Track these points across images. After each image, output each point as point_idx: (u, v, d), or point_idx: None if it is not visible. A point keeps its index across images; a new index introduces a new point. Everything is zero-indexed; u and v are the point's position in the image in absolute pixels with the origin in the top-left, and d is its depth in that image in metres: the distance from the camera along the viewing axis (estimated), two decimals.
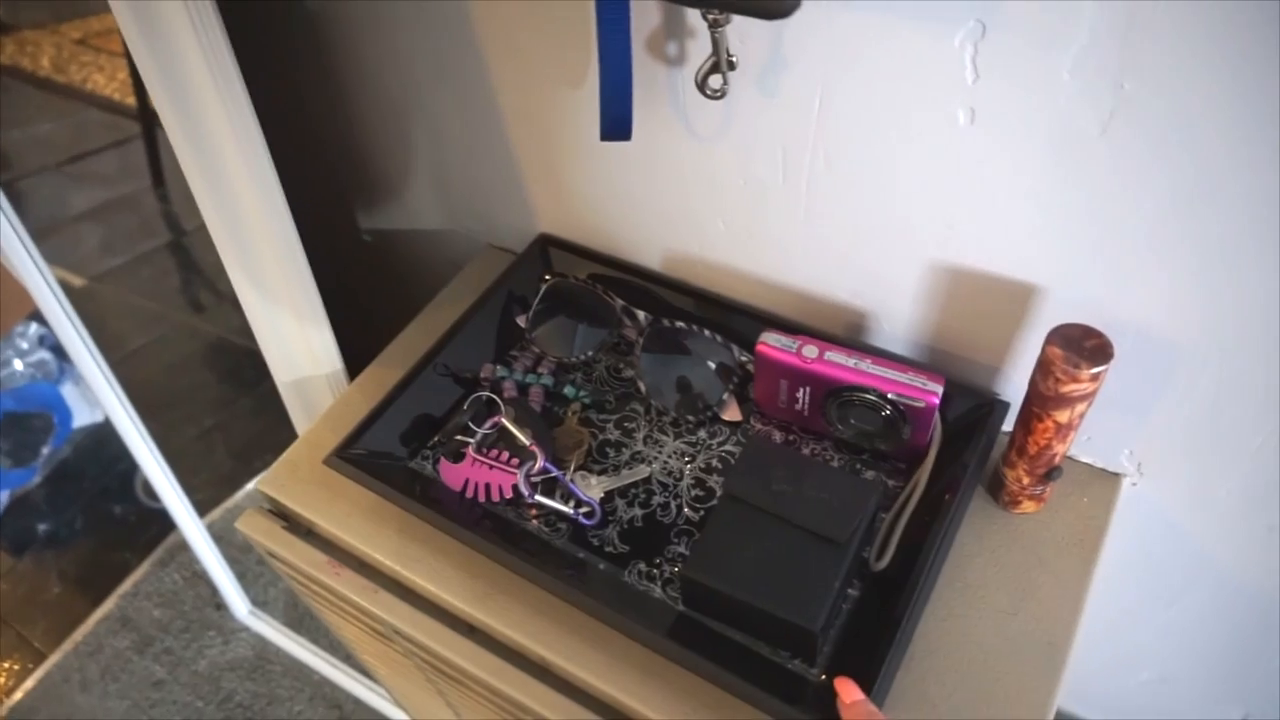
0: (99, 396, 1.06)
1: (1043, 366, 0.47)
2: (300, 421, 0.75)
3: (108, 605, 1.44)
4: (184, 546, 1.47)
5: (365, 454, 0.58)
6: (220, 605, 1.41)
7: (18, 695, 1.35)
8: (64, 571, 1.52)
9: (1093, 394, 0.46)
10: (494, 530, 0.56)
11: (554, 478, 0.57)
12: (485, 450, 0.58)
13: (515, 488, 0.56)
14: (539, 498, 0.56)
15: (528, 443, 0.57)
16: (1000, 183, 0.47)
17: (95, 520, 1.59)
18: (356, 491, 0.59)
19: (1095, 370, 0.45)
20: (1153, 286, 0.46)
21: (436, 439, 0.61)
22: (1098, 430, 0.55)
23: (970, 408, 0.56)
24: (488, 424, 0.58)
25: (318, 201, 0.85)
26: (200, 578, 1.43)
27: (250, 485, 1.57)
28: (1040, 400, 0.48)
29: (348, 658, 1.31)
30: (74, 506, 1.62)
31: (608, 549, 0.55)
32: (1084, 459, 0.58)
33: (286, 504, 0.61)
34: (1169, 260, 0.45)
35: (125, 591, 1.45)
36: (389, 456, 0.60)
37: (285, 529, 0.61)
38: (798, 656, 0.49)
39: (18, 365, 1.56)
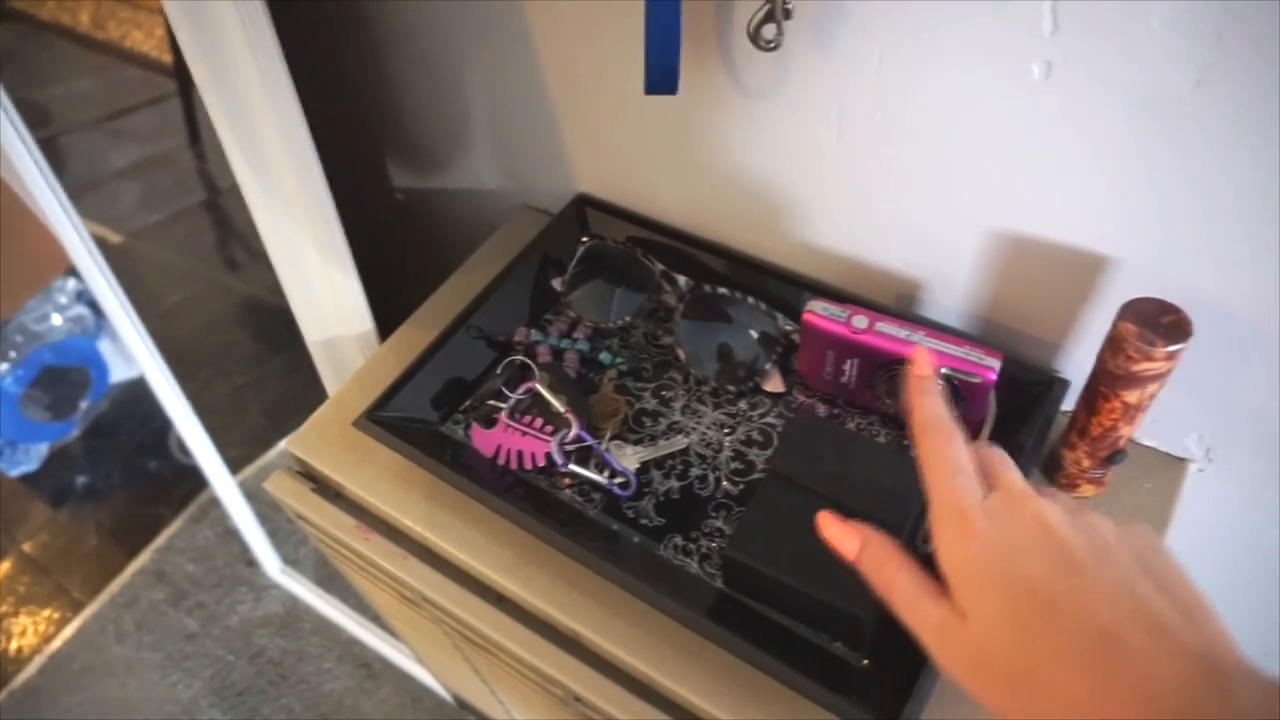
0: (134, 353, 1.06)
1: (1113, 343, 0.44)
2: (330, 382, 0.74)
3: (143, 559, 1.46)
4: (216, 503, 1.48)
5: (395, 417, 0.57)
6: (251, 562, 1.42)
7: (56, 643, 1.38)
8: (101, 524, 1.54)
9: (1166, 374, 0.43)
10: (525, 498, 0.54)
11: (588, 446, 0.55)
12: (518, 416, 0.56)
13: (548, 456, 0.54)
14: (573, 466, 0.54)
15: (562, 409, 0.55)
16: (1075, 144, 0.43)
17: (131, 474, 1.61)
18: (386, 455, 0.57)
19: (1171, 349, 0.42)
20: (1238, 261, 0.43)
21: (468, 403, 0.60)
22: (1165, 412, 0.52)
23: (1027, 384, 0.53)
24: (521, 389, 0.57)
25: (351, 159, 0.84)
26: (232, 534, 1.45)
27: (282, 444, 1.58)
28: (1109, 379, 0.45)
29: (376, 618, 1.32)
30: (111, 460, 1.63)
31: (643, 521, 0.53)
32: (1147, 442, 0.54)
33: (315, 465, 0.59)
34: (1259, 233, 0.41)
35: (160, 546, 1.47)
36: (420, 420, 0.58)
37: (314, 491, 0.60)
38: (841, 641, 0.47)
39: (56, 320, 1.57)
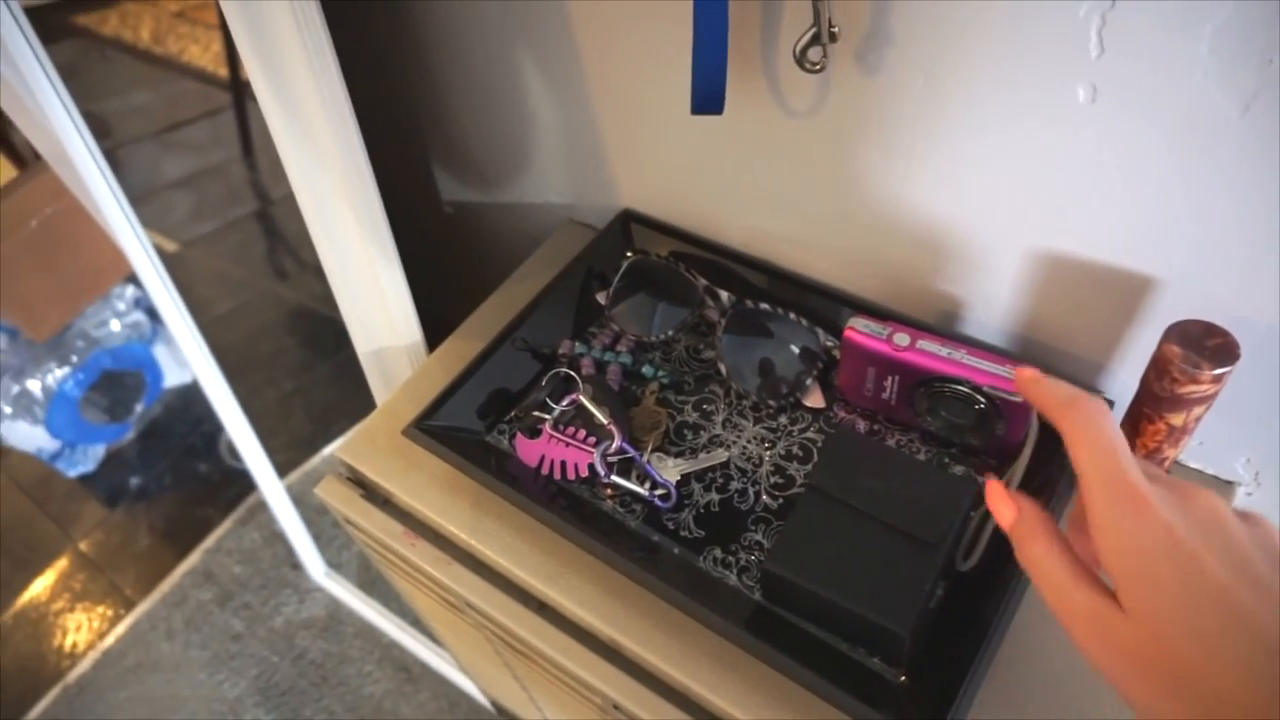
0: (189, 359, 1.10)
1: (1157, 365, 0.44)
2: (379, 391, 0.76)
3: (192, 559, 1.50)
4: (263, 506, 1.51)
5: (443, 426, 0.58)
6: (296, 565, 1.45)
7: (109, 640, 1.42)
8: (153, 524, 1.59)
9: (1212, 396, 0.43)
10: (568, 508, 0.55)
11: (630, 458, 0.56)
12: (562, 427, 0.57)
13: (591, 467, 0.55)
14: (614, 478, 0.55)
15: (605, 421, 0.56)
16: (1120, 166, 0.43)
17: (182, 476, 1.65)
18: (433, 463, 0.59)
19: (1218, 372, 0.42)
20: None
21: (513, 414, 0.61)
22: (1211, 435, 0.52)
23: None
24: (565, 401, 0.58)
25: (402, 173, 0.86)
26: (278, 537, 1.48)
27: (327, 449, 1.62)
28: (1153, 401, 0.45)
29: (417, 622, 1.34)
30: (163, 463, 1.68)
31: (683, 533, 0.54)
32: (1194, 465, 0.54)
33: (364, 472, 0.61)
34: None
35: (208, 547, 1.51)
36: (466, 430, 0.60)
37: (363, 497, 0.62)
38: (879, 657, 0.47)
39: (115, 325, 1.63)
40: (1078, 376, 0.55)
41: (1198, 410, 0.44)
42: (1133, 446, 0.48)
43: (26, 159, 1.42)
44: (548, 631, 0.54)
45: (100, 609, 1.47)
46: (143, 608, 1.45)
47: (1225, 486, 0.53)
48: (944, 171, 0.50)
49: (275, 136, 0.60)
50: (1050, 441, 0.52)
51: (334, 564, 1.43)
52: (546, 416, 0.58)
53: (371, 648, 1.36)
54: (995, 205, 0.50)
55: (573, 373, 0.60)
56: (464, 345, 0.67)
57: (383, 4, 0.71)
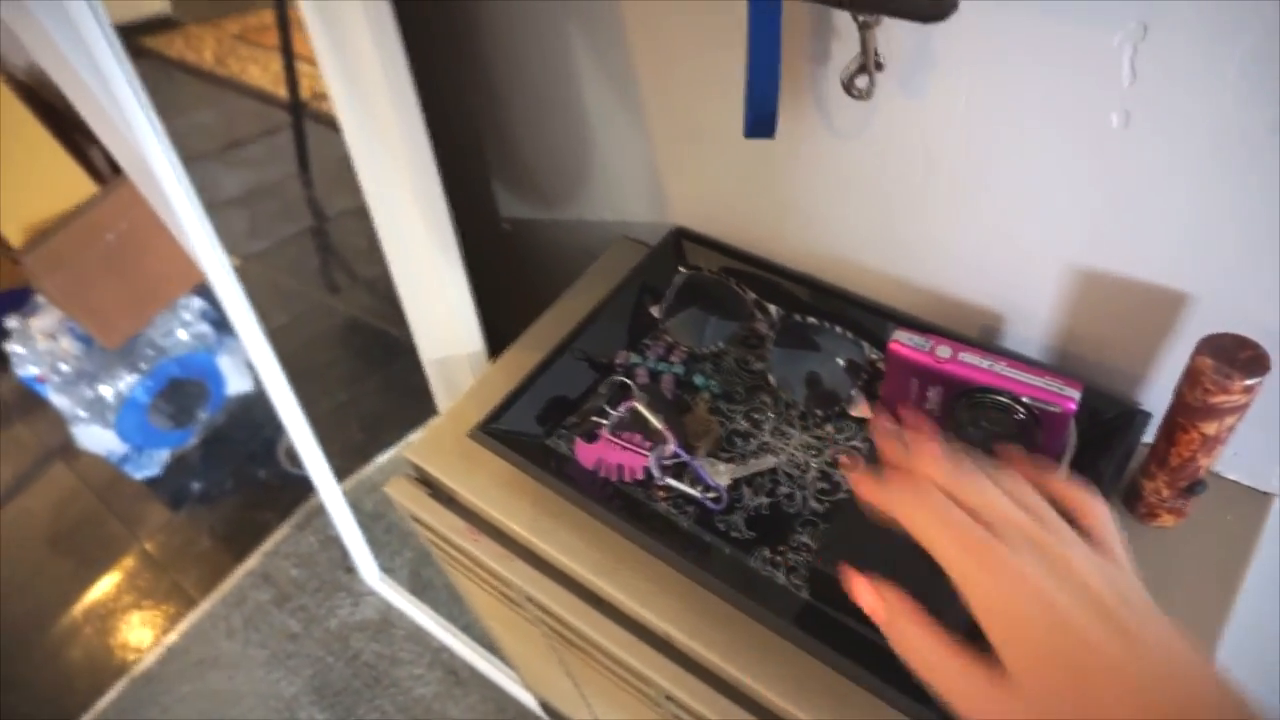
0: (258, 366, 1.15)
1: (1191, 376, 0.46)
2: (441, 396, 0.80)
3: (251, 561, 1.55)
4: (319, 511, 1.57)
5: (505, 430, 0.62)
6: (350, 569, 1.50)
7: (172, 636, 1.48)
8: (214, 527, 1.65)
9: (1244, 407, 0.45)
10: (624, 508, 0.58)
11: (683, 462, 0.59)
12: (618, 432, 0.60)
13: (646, 469, 0.59)
14: (669, 479, 0.58)
15: (660, 427, 0.59)
16: (1154, 187, 0.46)
17: (242, 481, 1.72)
18: (495, 464, 0.62)
19: (1249, 383, 0.44)
20: None
21: (572, 420, 0.65)
22: (1247, 446, 0.53)
23: (1108, 416, 0.55)
24: (621, 408, 0.61)
25: (464, 191, 0.90)
26: (333, 542, 1.53)
27: (381, 458, 1.67)
28: (1186, 411, 0.47)
29: (468, 627, 1.38)
30: (224, 468, 1.75)
31: (733, 534, 0.57)
32: (1230, 475, 0.56)
33: (431, 472, 0.65)
34: None
35: (267, 550, 1.56)
36: (526, 434, 0.63)
37: (429, 495, 0.66)
38: None
39: (181, 335, 1.70)
40: (1115, 389, 0.56)
41: (1230, 420, 0.46)
42: (1167, 456, 0.50)
43: (105, 176, 1.50)
44: (603, 624, 0.57)
45: (164, 607, 1.53)
46: (204, 606, 1.51)
47: (1262, 497, 0.55)
48: (984, 192, 0.53)
49: (353, 153, 0.65)
50: (1090, 450, 0.54)
51: (387, 569, 1.48)
52: (604, 422, 0.61)
53: (422, 651, 1.40)
54: (1033, 224, 0.52)
55: (628, 381, 0.63)
56: (524, 355, 0.71)
57: (448, 28, 0.75)
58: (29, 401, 1.83)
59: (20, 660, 1.49)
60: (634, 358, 0.67)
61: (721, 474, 0.59)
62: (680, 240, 0.72)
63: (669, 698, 0.56)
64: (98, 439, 1.66)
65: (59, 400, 1.63)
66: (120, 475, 1.73)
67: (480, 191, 0.92)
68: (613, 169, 0.75)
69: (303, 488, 1.66)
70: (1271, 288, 0.45)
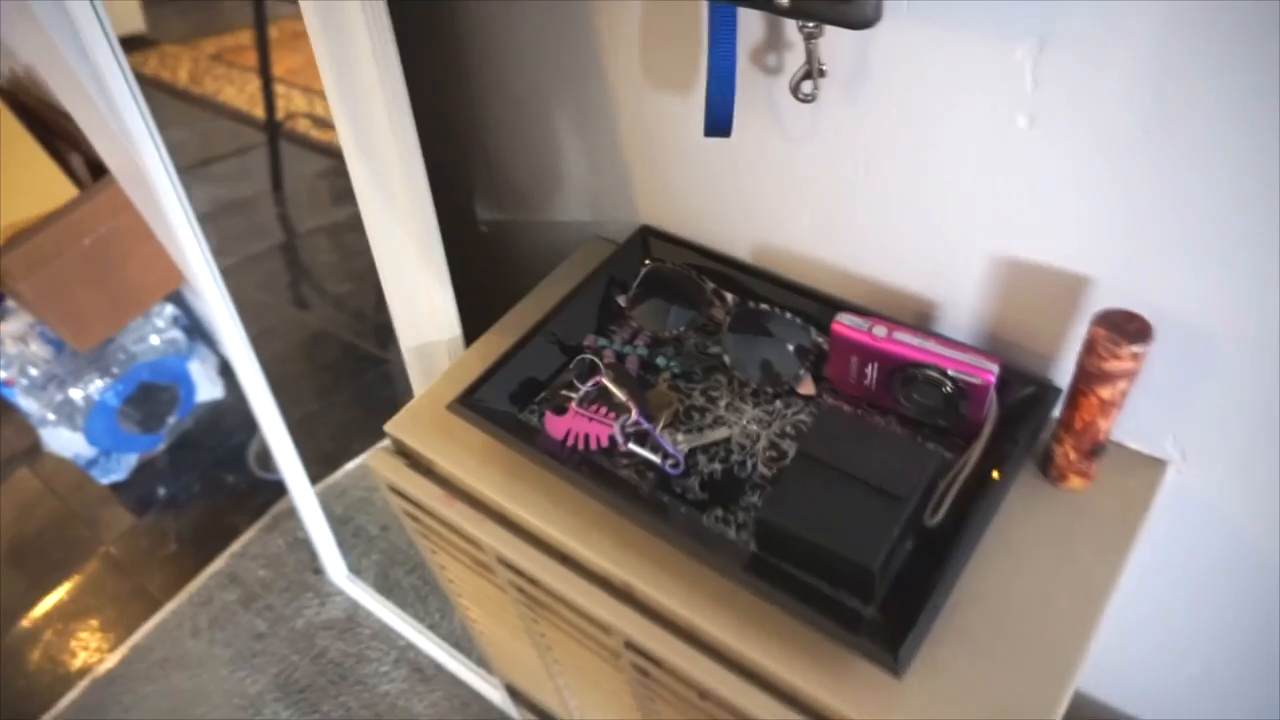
0: (237, 367, 1.19)
1: (1088, 346, 0.52)
2: (419, 382, 0.85)
3: (218, 563, 1.57)
4: (288, 515, 1.60)
5: (480, 404, 0.67)
6: (318, 570, 1.52)
7: (137, 636, 1.48)
8: (180, 531, 1.66)
9: (1133, 372, 0.52)
10: (590, 474, 0.63)
11: (645, 431, 0.65)
12: (586, 405, 0.66)
13: (611, 438, 0.64)
14: (632, 445, 0.64)
15: (624, 399, 0.65)
16: (1054, 181, 0.53)
17: (210, 487, 1.73)
18: (470, 436, 0.67)
19: (1135, 349, 0.50)
20: (1190, 280, 0.52)
21: (543, 395, 0.70)
22: (1145, 418, 0.60)
23: (1025, 392, 0.62)
24: (589, 383, 0.67)
25: (445, 194, 0.96)
26: (301, 544, 1.56)
27: (350, 464, 1.70)
28: (1085, 377, 0.53)
29: (433, 626, 1.41)
30: (192, 473, 1.76)
31: (689, 496, 0.62)
32: (1132, 445, 0.62)
33: (410, 444, 0.70)
34: (1205, 256, 0.50)
35: (234, 552, 1.58)
36: (500, 409, 0.69)
37: (408, 466, 0.70)
38: (856, 596, 0.55)
39: (154, 340, 1.72)
40: (1031, 368, 0.63)
41: (1122, 384, 0.53)
42: (1072, 421, 0.56)
43: (84, 181, 1.53)
44: (570, 579, 0.62)
45: (128, 609, 1.54)
46: (170, 607, 1.52)
47: (1159, 464, 0.61)
48: (914, 189, 0.60)
49: (347, 156, 0.70)
50: (1010, 425, 0.61)
51: (354, 569, 1.51)
52: (573, 395, 0.67)
53: (388, 649, 1.42)
54: (956, 217, 0.59)
55: (596, 359, 0.69)
56: (498, 339, 0.76)
57: (445, 37, 0.81)
58: None
59: None
60: (601, 341, 0.72)
61: (680, 443, 0.65)
62: (646, 237, 0.78)
63: (629, 644, 0.61)
64: (66, 442, 1.67)
65: (26, 403, 1.65)
66: (86, 479, 1.74)
67: (461, 195, 0.97)
68: (585, 173, 0.82)
69: (271, 492, 1.68)
70: (1153, 270, 0.52)
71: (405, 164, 0.70)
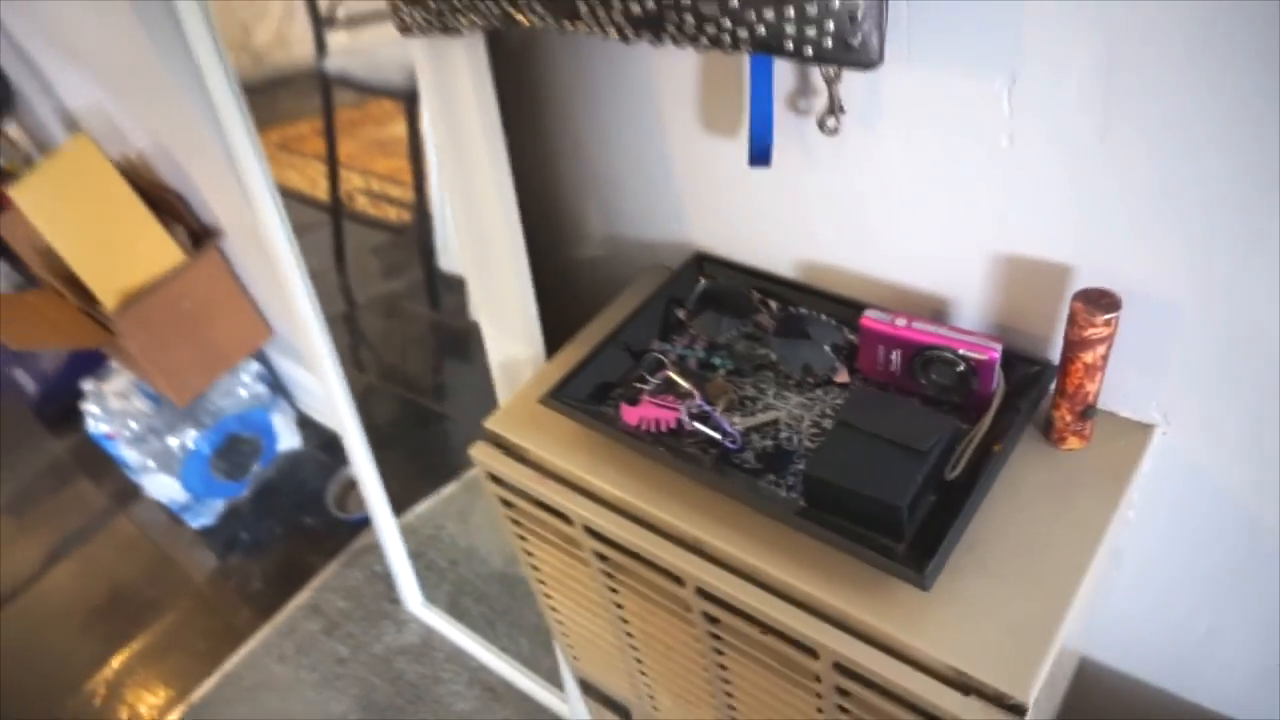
0: (340, 416, 1.33)
1: (1070, 319, 0.64)
2: (503, 391, 0.98)
3: (302, 596, 1.69)
4: (365, 551, 1.72)
5: (567, 397, 0.80)
6: (395, 599, 1.64)
7: (228, 665, 1.60)
8: (265, 571, 1.79)
9: (1109, 338, 0.63)
10: (662, 451, 0.76)
11: (706, 413, 0.77)
12: (655, 395, 0.78)
13: (678, 420, 0.76)
14: (696, 425, 0.76)
15: (689, 387, 0.77)
16: (1034, 185, 0.65)
17: (290, 529, 1.87)
18: (557, 427, 0.80)
19: (1107, 317, 0.62)
20: (1152, 259, 0.63)
21: (617, 390, 0.83)
22: (1131, 386, 0.71)
23: (1028, 371, 0.73)
24: (657, 376, 0.79)
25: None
26: (379, 577, 1.68)
27: (419, 507, 1.82)
28: (1070, 346, 0.65)
29: (506, 649, 1.51)
30: (273, 517, 1.90)
31: (746, 466, 0.74)
32: (1123, 413, 0.73)
33: (507, 436, 0.83)
34: (1159, 238, 0.62)
35: (316, 585, 1.71)
36: (583, 402, 0.81)
37: (504, 454, 0.83)
38: (889, 534, 0.66)
39: (241, 394, 1.88)
40: (1032, 350, 0.74)
41: (1100, 349, 0.64)
42: (1065, 386, 0.68)
43: (187, 249, 1.72)
44: (649, 536, 0.74)
45: (219, 641, 1.66)
46: (258, 637, 1.64)
47: (1146, 428, 0.72)
48: (924, 202, 0.72)
49: (453, 206, 0.85)
50: (1015, 399, 0.72)
51: (429, 598, 1.62)
52: (644, 388, 0.79)
53: (461, 670, 1.52)
54: (958, 223, 0.72)
55: (662, 356, 0.81)
56: (575, 351, 0.90)
57: (524, 86, 0.97)
58: (93, 457, 2.00)
59: (76, 698, 1.61)
60: (665, 346, 0.85)
61: (736, 424, 0.77)
62: (700, 261, 0.92)
63: (700, 591, 0.72)
64: (163, 487, 1.82)
65: (129, 453, 1.81)
66: (178, 523, 1.88)
67: (539, 235, 1.12)
68: (647, 208, 0.96)
69: (347, 533, 1.81)
70: (1119, 252, 0.64)
71: (504, 216, 0.84)
